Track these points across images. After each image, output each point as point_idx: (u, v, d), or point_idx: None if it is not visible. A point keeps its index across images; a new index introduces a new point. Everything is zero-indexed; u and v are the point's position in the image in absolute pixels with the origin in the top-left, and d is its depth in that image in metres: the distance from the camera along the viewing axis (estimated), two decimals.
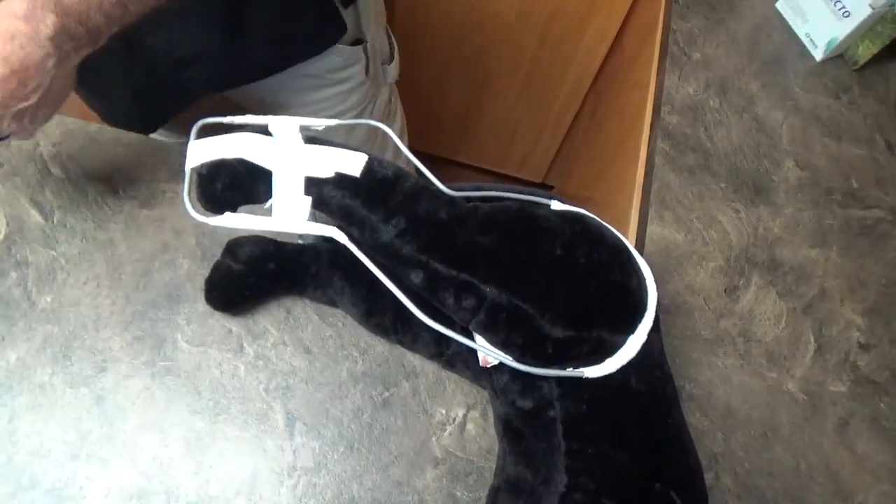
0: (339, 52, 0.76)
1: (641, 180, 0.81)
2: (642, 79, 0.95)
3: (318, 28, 0.72)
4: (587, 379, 0.48)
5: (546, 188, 1.72)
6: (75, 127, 0.67)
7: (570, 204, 0.56)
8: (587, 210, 0.54)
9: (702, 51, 0.87)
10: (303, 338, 0.62)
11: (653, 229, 0.74)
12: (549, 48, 1.30)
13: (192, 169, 0.45)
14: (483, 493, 0.57)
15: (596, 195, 1.07)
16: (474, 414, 0.61)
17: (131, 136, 0.68)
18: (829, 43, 0.87)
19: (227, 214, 0.45)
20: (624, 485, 0.45)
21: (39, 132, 0.65)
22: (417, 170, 0.53)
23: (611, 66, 1.27)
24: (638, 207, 0.79)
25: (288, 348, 0.61)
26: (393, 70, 0.88)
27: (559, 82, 1.36)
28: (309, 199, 0.46)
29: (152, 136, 0.70)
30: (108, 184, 0.65)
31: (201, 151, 0.45)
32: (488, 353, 0.49)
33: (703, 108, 0.83)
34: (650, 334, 0.51)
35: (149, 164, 0.67)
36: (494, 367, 0.54)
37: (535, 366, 0.48)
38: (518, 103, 1.47)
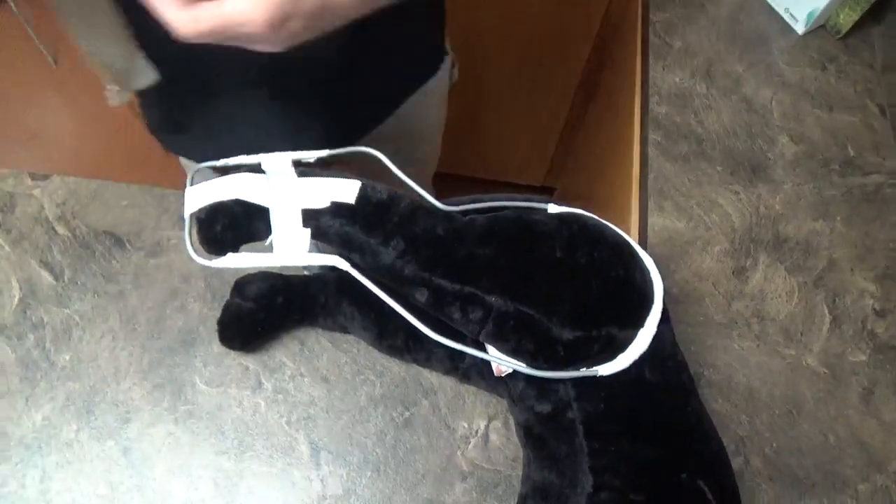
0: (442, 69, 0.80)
1: (638, 173, 0.81)
2: (628, 73, 0.95)
3: (429, 55, 0.76)
4: (602, 377, 0.49)
5: (548, 190, 1.73)
6: (77, 186, 0.69)
7: (567, 205, 0.56)
8: (587, 208, 0.55)
9: (683, 38, 0.87)
10: (319, 367, 0.62)
11: (654, 220, 0.74)
12: (534, 54, 1.31)
13: (191, 214, 0.46)
14: (513, 503, 0.57)
15: (597, 192, 1.08)
16: (496, 424, 0.61)
17: (133, 189, 0.69)
18: (810, 15, 0.87)
19: (230, 255, 0.46)
20: (649, 478, 0.45)
21: (44, 194, 0.66)
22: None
23: (597, 64, 1.28)
24: (637, 200, 0.79)
25: (305, 379, 0.62)
26: (455, 71, 0.91)
27: (548, 86, 1.37)
28: (308, 231, 0.47)
29: (154, 187, 0.70)
30: (114, 238, 0.67)
31: (198, 196, 0.46)
32: (500, 363, 0.49)
33: (690, 95, 0.83)
34: (660, 326, 0.51)
35: (152, 214, 0.68)
36: (509, 375, 0.54)
37: (549, 370, 0.49)
38: (510, 111, 1.48)
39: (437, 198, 0.52)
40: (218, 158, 0.51)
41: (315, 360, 0.63)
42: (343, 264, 0.47)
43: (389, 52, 0.67)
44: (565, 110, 1.44)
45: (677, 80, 0.84)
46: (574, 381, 0.49)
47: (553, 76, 1.33)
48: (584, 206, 0.56)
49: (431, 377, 0.63)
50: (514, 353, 0.49)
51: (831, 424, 0.64)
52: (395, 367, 0.63)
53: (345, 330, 0.63)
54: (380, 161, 0.53)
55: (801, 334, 0.68)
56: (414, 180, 0.50)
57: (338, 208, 0.47)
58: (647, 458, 0.46)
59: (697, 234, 0.73)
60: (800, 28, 0.89)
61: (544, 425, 0.51)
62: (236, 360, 0.62)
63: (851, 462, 0.63)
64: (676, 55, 0.86)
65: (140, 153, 1.80)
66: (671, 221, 0.74)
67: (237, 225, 0.46)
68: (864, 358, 0.68)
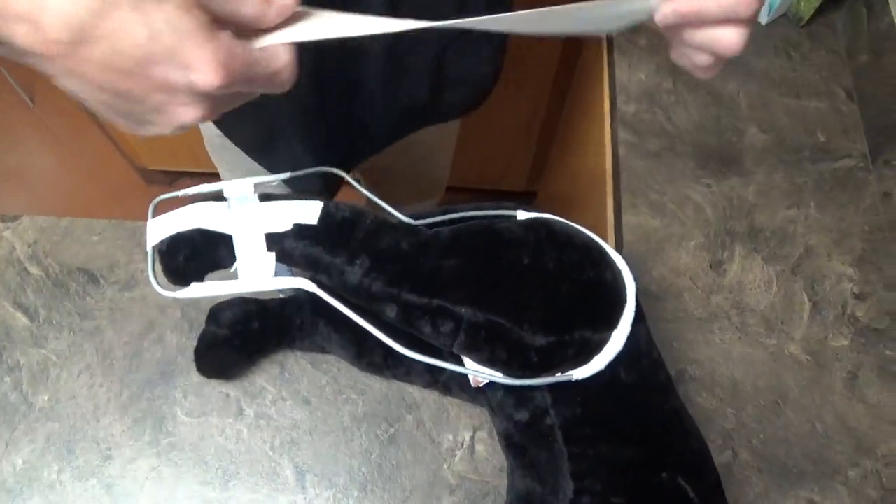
0: None
1: (610, 173, 0.81)
2: (596, 73, 0.96)
3: (493, 66, 0.77)
4: (577, 381, 0.48)
5: (531, 195, 1.73)
6: (47, 224, 0.69)
7: (537, 210, 0.56)
8: (566, 211, 0.55)
9: (647, 36, 0.88)
10: (300, 389, 0.62)
11: (628, 219, 0.74)
12: (506, 60, 1.31)
13: (153, 247, 0.46)
14: None
15: (574, 194, 1.08)
16: (482, 434, 0.61)
17: (103, 224, 0.69)
18: (771, 4, 0.88)
19: (194, 285, 0.45)
20: (630, 480, 0.45)
21: (14, 235, 0.66)
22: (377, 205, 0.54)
23: (568, 66, 1.29)
24: (611, 199, 0.79)
25: (287, 402, 0.62)
26: None
27: (521, 93, 1.37)
28: (272, 255, 0.47)
29: (125, 221, 0.70)
30: (87, 274, 0.66)
31: (159, 228, 0.46)
32: (475, 374, 0.49)
33: (657, 92, 0.83)
34: (634, 326, 0.51)
35: (124, 248, 0.68)
36: (487, 384, 0.54)
37: (524, 377, 0.49)
38: (484, 120, 1.48)
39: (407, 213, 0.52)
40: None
41: (296, 382, 0.62)
42: (310, 286, 0.47)
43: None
44: (541, 114, 1.44)
45: (643, 77, 0.84)
46: (550, 386, 0.49)
47: (526, 81, 1.34)
48: (563, 208, 0.56)
49: (414, 392, 0.62)
50: (489, 362, 0.49)
51: (817, 412, 0.64)
52: (377, 385, 0.63)
53: (323, 350, 0.62)
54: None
55: (782, 323, 0.68)
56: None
57: (301, 230, 0.47)
58: (626, 459, 0.45)
59: (672, 230, 0.73)
60: (762, 18, 0.89)
61: (524, 433, 0.51)
62: (216, 389, 0.61)
63: (840, 448, 0.62)
64: (641, 53, 0.86)
65: (121, 188, 1.80)
66: (645, 219, 0.74)
67: (199, 254, 0.46)
68: (846, 342, 0.68)
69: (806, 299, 0.70)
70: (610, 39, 0.88)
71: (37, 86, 1.94)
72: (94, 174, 1.84)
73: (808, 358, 0.67)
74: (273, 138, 0.70)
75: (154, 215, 0.48)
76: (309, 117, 0.67)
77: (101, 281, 0.66)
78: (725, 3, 0.39)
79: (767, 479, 0.61)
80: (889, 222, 0.74)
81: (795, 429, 0.63)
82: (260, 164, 0.75)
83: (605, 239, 0.78)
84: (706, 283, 0.70)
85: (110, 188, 1.82)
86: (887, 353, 0.67)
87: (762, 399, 0.64)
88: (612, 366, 0.48)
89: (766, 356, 0.67)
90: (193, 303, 0.65)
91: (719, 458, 0.61)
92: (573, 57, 1.27)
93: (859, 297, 0.70)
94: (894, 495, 0.61)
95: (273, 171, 0.74)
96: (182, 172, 1.73)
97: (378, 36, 0.33)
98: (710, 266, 0.71)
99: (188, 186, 0.51)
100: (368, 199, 0.55)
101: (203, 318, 0.62)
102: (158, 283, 0.45)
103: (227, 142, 0.76)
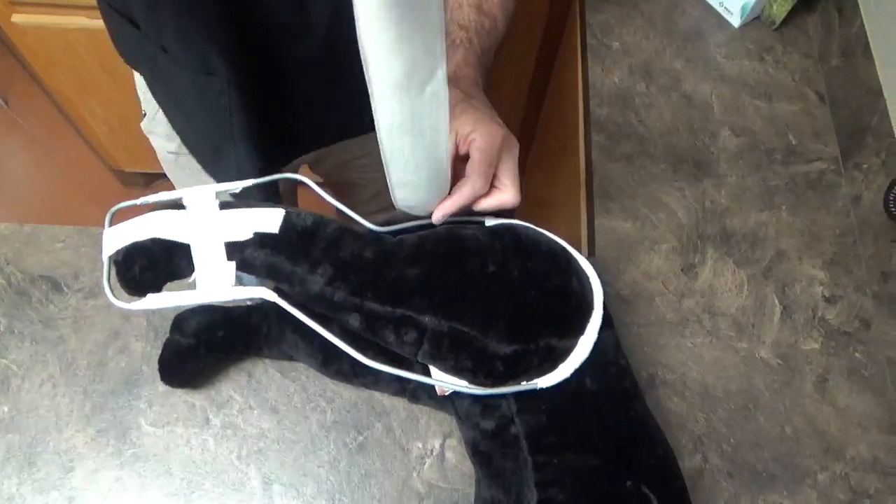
0: None
1: (584, 176, 0.81)
2: (570, 76, 0.95)
3: None
4: (543, 389, 0.48)
5: None
6: (9, 232, 0.67)
7: (505, 216, 0.56)
8: (542, 214, 0.55)
9: (620, 38, 0.87)
10: (268, 398, 0.61)
11: (601, 222, 0.74)
12: None
13: (109, 257, 0.45)
14: None
15: (550, 196, 1.08)
16: (451, 442, 0.60)
17: (67, 231, 0.68)
18: (744, 7, 0.88)
19: (150, 296, 0.45)
20: (594, 489, 0.44)
21: None
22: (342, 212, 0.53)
23: (544, 69, 1.29)
24: (585, 203, 0.79)
25: (255, 411, 0.61)
26: None
27: (497, 95, 1.37)
28: (233, 265, 0.46)
29: (89, 227, 0.69)
30: (50, 282, 0.65)
31: (116, 238, 0.45)
32: (439, 384, 0.49)
33: (630, 95, 0.83)
34: (601, 332, 0.51)
35: (88, 255, 0.67)
36: (454, 393, 0.53)
37: (489, 386, 0.48)
38: None
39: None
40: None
41: (263, 391, 0.62)
42: (270, 295, 0.46)
43: None
44: (518, 116, 1.44)
45: (616, 80, 0.84)
46: (516, 395, 0.49)
47: (502, 83, 1.34)
48: (539, 211, 0.56)
49: (383, 399, 0.62)
50: (454, 371, 0.49)
51: (788, 415, 0.64)
52: (346, 392, 0.62)
53: (290, 358, 0.62)
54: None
55: (753, 327, 0.68)
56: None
57: (262, 238, 0.46)
58: (591, 468, 0.45)
59: (645, 234, 0.73)
60: (735, 21, 0.90)
61: (490, 442, 0.50)
62: (182, 398, 0.61)
63: (809, 452, 0.63)
64: (615, 56, 0.86)
65: (98, 190, 1.78)
66: (618, 223, 0.74)
67: (156, 265, 0.45)
68: (816, 346, 0.68)
69: (777, 303, 0.70)
70: (584, 42, 0.88)
71: (11, 87, 1.91)
72: (71, 176, 1.82)
73: (779, 362, 0.67)
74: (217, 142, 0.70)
75: (111, 224, 0.47)
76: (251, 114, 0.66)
77: (65, 289, 0.65)
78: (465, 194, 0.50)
79: (738, 483, 0.61)
80: (859, 225, 0.74)
81: (765, 433, 0.63)
82: (213, 177, 0.74)
83: (578, 243, 0.78)
84: (678, 286, 0.70)
85: (87, 191, 1.80)
86: (857, 356, 0.67)
87: (733, 403, 0.64)
88: (577, 374, 0.48)
89: (736, 360, 0.67)
90: (159, 311, 0.64)
91: (689, 462, 0.61)
92: (549, 59, 1.27)
93: (829, 300, 0.70)
94: (863, 498, 0.61)
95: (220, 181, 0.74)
96: (159, 174, 1.70)
97: (317, 31, 0.34)
98: (682, 270, 0.71)
99: (164, 189, 0.50)
100: (334, 207, 0.54)
101: (169, 325, 0.61)
102: (114, 294, 0.44)
103: (182, 159, 0.76)
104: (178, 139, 0.74)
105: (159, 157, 0.81)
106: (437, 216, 0.51)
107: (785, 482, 0.61)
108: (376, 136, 0.44)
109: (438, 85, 0.41)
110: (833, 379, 0.66)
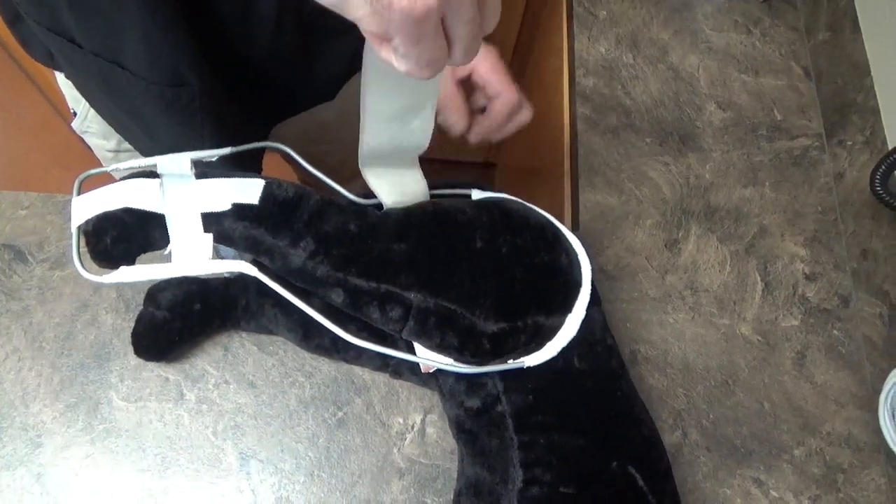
0: None
1: (569, 148, 0.80)
2: (556, 45, 0.93)
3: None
4: (530, 368, 0.47)
5: (489, 166, 1.71)
6: None
7: (498, 184, 0.54)
8: (525, 184, 0.53)
9: (607, 8, 0.85)
10: (245, 373, 0.60)
11: (585, 196, 0.73)
12: None
13: (78, 227, 0.42)
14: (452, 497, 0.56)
15: (534, 166, 1.06)
16: (432, 417, 0.59)
17: (31, 197, 0.64)
18: None
19: (123, 268, 0.42)
20: (580, 469, 0.44)
21: None
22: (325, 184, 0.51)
23: (527, 37, 1.26)
24: (569, 176, 0.78)
25: (231, 386, 0.59)
26: None
27: None
28: (210, 237, 0.44)
29: (55, 195, 0.66)
30: (14, 250, 0.62)
31: (85, 207, 0.42)
32: (425, 361, 0.48)
33: (617, 66, 0.81)
34: (589, 309, 0.50)
35: (55, 223, 0.64)
36: (439, 370, 0.52)
37: (476, 364, 0.47)
38: None
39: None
40: None
41: (240, 365, 0.60)
42: (250, 269, 0.44)
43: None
44: None
45: (603, 50, 0.82)
46: (502, 373, 0.48)
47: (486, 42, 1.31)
48: (522, 181, 0.54)
49: (364, 374, 0.61)
50: (440, 348, 0.47)
51: (766, 392, 0.65)
52: (325, 367, 0.60)
53: (269, 332, 0.60)
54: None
55: (735, 303, 0.69)
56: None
57: (241, 210, 0.44)
58: (577, 448, 0.45)
59: (629, 209, 0.72)
60: None
61: (475, 420, 0.49)
62: (155, 372, 0.59)
63: (787, 427, 0.63)
64: (602, 25, 0.84)
65: (64, 155, 1.72)
66: (602, 196, 0.73)
67: (129, 236, 0.42)
68: (796, 323, 0.68)
69: (758, 279, 0.70)
70: (570, 11, 0.86)
71: None
72: (36, 140, 1.74)
73: (759, 338, 0.67)
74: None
75: (79, 192, 0.44)
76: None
77: (30, 258, 0.62)
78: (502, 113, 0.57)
79: (716, 458, 0.61)
80: (841, 203, 0.74)
81: (744, 409, 0.64)
82: None
83: (562, 216, 0.77)
84: (661, 262, 0.70)
85: (53, 154, 1.73)
86: (835, 332, 0.68)
87: (713, 379, 0.65)
88: (565, 353, 0.47)
89: (717, 336, 0.67)
90: (131, 283, 0.61)
91: (669, 438, 0.61)
92: (532, 26, 1.24)
93: (810, 277, 0.71)
94: (837, 473, 0.62)
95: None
96: None
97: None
98: (666, 245, 0.71)
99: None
100: (316, 178, 0.52)
101: (141, 297, 0.59)
102: (84, 266, 0.42)
103: (123, 156, 0.73)
104: (117, 137, 0.71)
105: (98, 156, 0.77)
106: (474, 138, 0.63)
107: (762, 457, 0.62)
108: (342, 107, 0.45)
109: (426, 117, 0.43)
110: (811, 355, 0.67)
